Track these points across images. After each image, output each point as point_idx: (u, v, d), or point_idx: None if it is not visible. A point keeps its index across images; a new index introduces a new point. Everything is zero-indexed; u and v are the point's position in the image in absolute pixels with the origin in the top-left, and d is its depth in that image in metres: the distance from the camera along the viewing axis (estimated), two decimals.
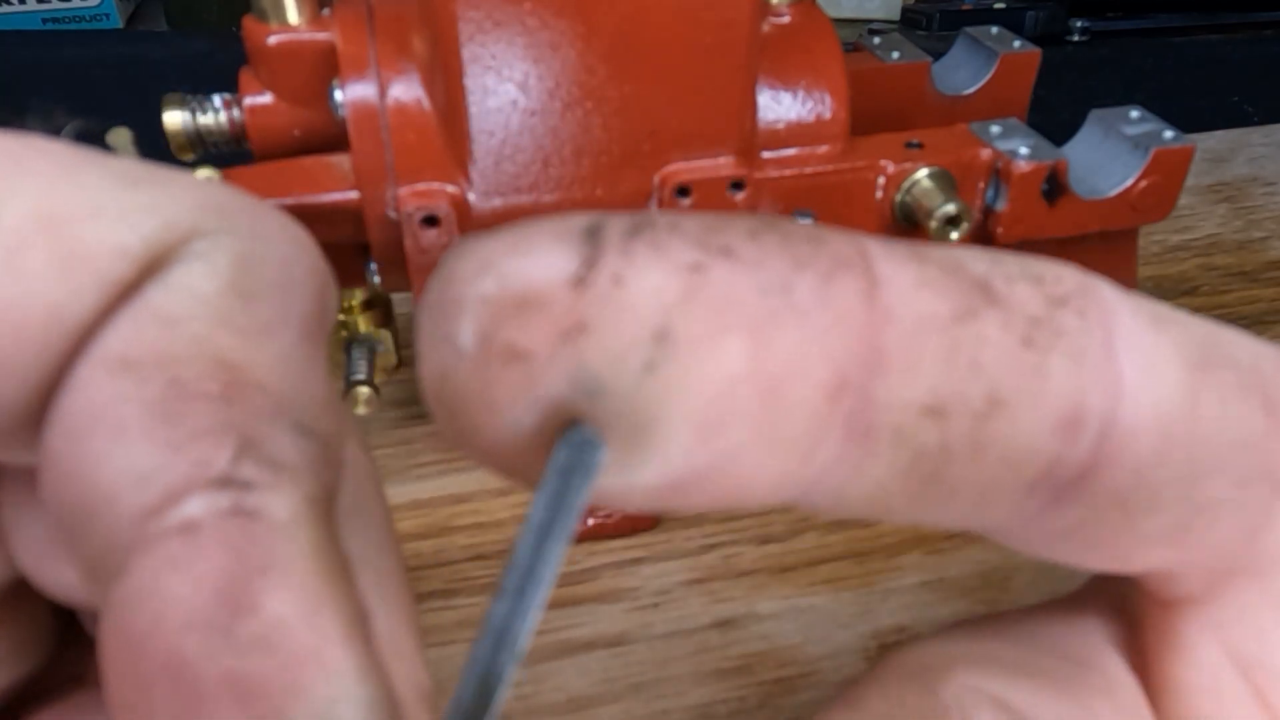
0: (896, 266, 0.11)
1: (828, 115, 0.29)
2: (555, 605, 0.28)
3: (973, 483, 0.11)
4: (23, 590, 0.14)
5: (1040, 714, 0.14)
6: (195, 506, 0.10)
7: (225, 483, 0.10)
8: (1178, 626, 0.14)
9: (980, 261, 0.11)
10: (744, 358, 0.10)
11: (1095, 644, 0.15)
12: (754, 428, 0.10)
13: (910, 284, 0.11)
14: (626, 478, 0.10)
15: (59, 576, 0.13)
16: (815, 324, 0.10)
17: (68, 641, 0.15)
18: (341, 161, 0.27)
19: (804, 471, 0.11)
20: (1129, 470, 0.12)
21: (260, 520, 0.10)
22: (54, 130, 0.15)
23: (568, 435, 0.10)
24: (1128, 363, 0.11)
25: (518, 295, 0.10)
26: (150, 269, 0.11)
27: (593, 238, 0.10)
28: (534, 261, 0.10)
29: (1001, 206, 0.29)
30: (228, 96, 0.28)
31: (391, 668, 0.11)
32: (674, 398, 0.10)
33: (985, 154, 0.29)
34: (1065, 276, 0.12)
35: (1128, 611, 0.15)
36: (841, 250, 0.10)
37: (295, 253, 0.12)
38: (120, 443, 0.10)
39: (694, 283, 0.10)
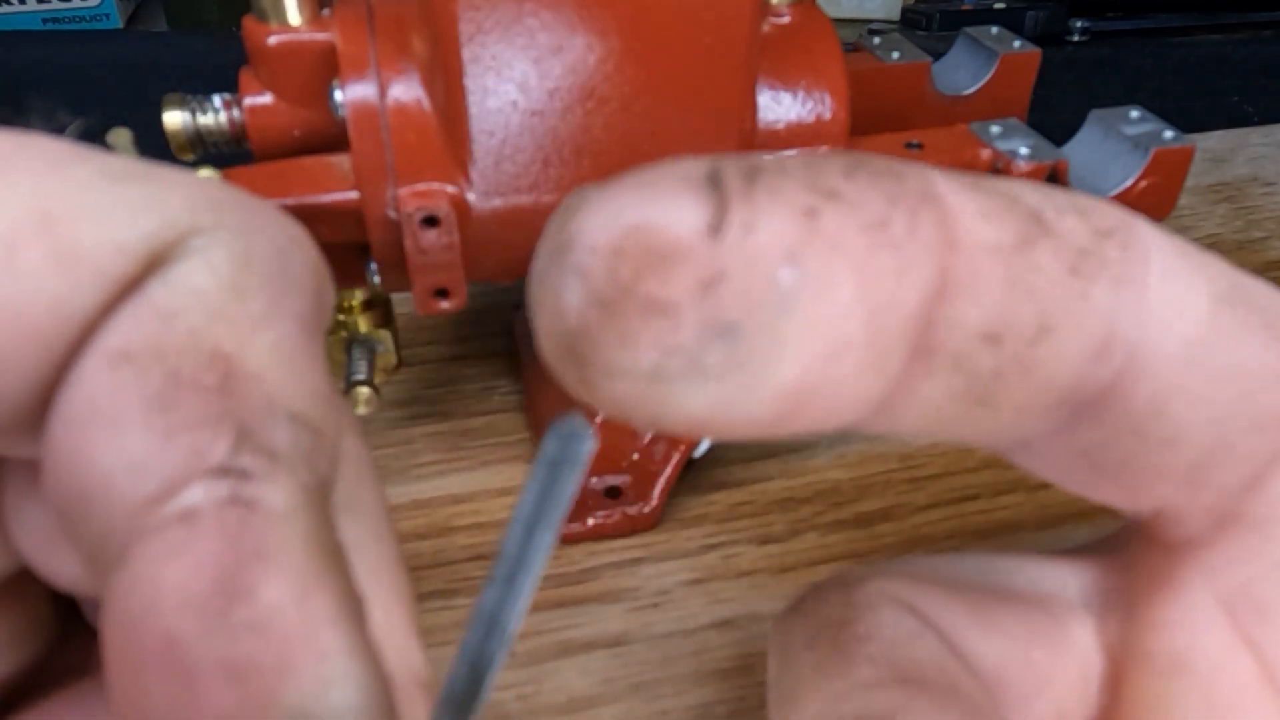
0: (962, 198, 0.11)
1: (828, 115, 0.29)
2: (555, 605, 0.28)
3: (1012, 403, 0.12)
4: (25, 580, 0.14)
5: (949, 622, 0.14)
6: (194, 495, 0.10)
7: (224, 472, 0.10)
8: (1172, 569, 0.14)
9: (1032, 193, 0.12)
10: (854, 291, 0.10)
11: (1060, 594, 0.16)
12: (859, 354, 0.11)
13: (975, 214, 0.11)
14: (745, 410, 0.11)
15: (61, 566, 0.13)
16: (907, 255, 0.11)
17: (69, 631, 0.15)
18: (341, 161, 0.27)
19: (880, 393, 0.11)
20: (1148, 395, 0.12)
21: (257, 509, 0.10)
22: (57, 130, 0.15)
23: (556, 426, 0.10)
24: (1158, 293, 0.12)
25: (657, 247, 0.10)
26: (151, 266, 0.11)
27: (716, 185, 0.10)
28: (667, 212, 0.10)
29: None
30: (228, 96, 0.28)
31: (387, 652, 0.11)
32: (801, 336, 0.10)
33: (985, 154, 0.29)
34: (1109, 211, 0.12)
35: (1121, 559, 0.16)
36: (919, 184, 0.11)
37: (291, 248, 0.12)
38: (120, 433, 0.10)
39: (810, 226, 0.10)
